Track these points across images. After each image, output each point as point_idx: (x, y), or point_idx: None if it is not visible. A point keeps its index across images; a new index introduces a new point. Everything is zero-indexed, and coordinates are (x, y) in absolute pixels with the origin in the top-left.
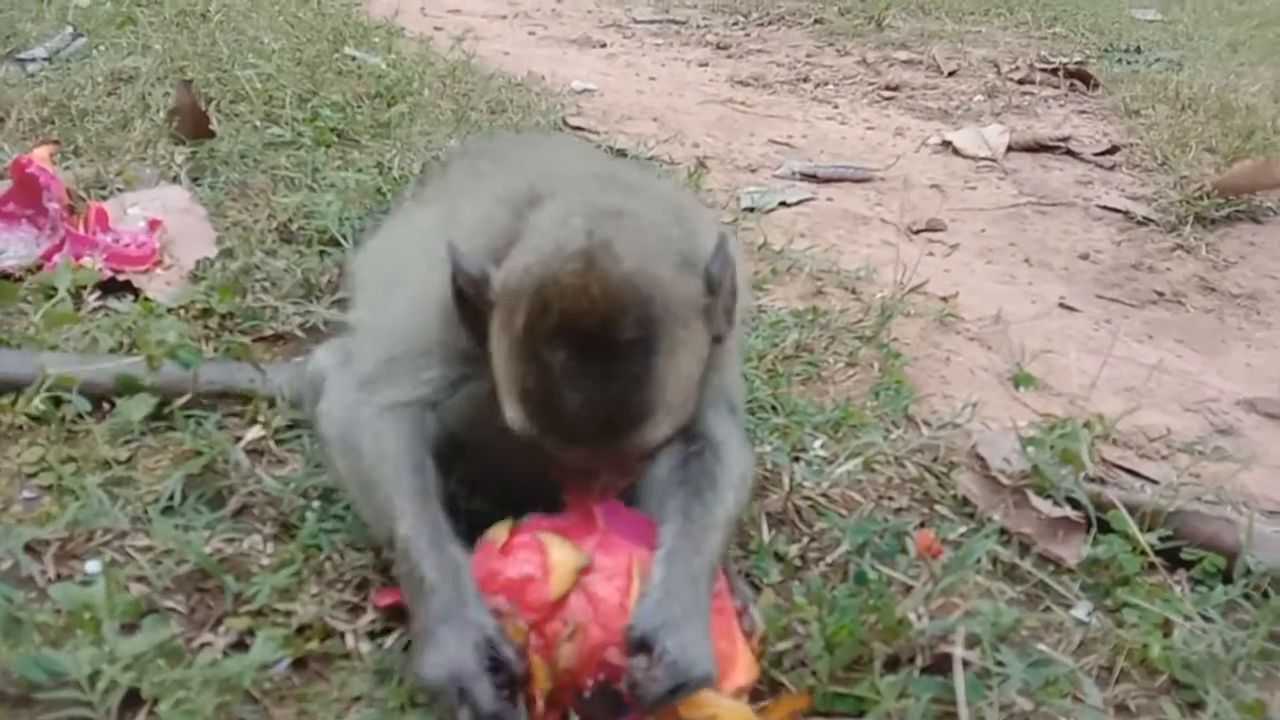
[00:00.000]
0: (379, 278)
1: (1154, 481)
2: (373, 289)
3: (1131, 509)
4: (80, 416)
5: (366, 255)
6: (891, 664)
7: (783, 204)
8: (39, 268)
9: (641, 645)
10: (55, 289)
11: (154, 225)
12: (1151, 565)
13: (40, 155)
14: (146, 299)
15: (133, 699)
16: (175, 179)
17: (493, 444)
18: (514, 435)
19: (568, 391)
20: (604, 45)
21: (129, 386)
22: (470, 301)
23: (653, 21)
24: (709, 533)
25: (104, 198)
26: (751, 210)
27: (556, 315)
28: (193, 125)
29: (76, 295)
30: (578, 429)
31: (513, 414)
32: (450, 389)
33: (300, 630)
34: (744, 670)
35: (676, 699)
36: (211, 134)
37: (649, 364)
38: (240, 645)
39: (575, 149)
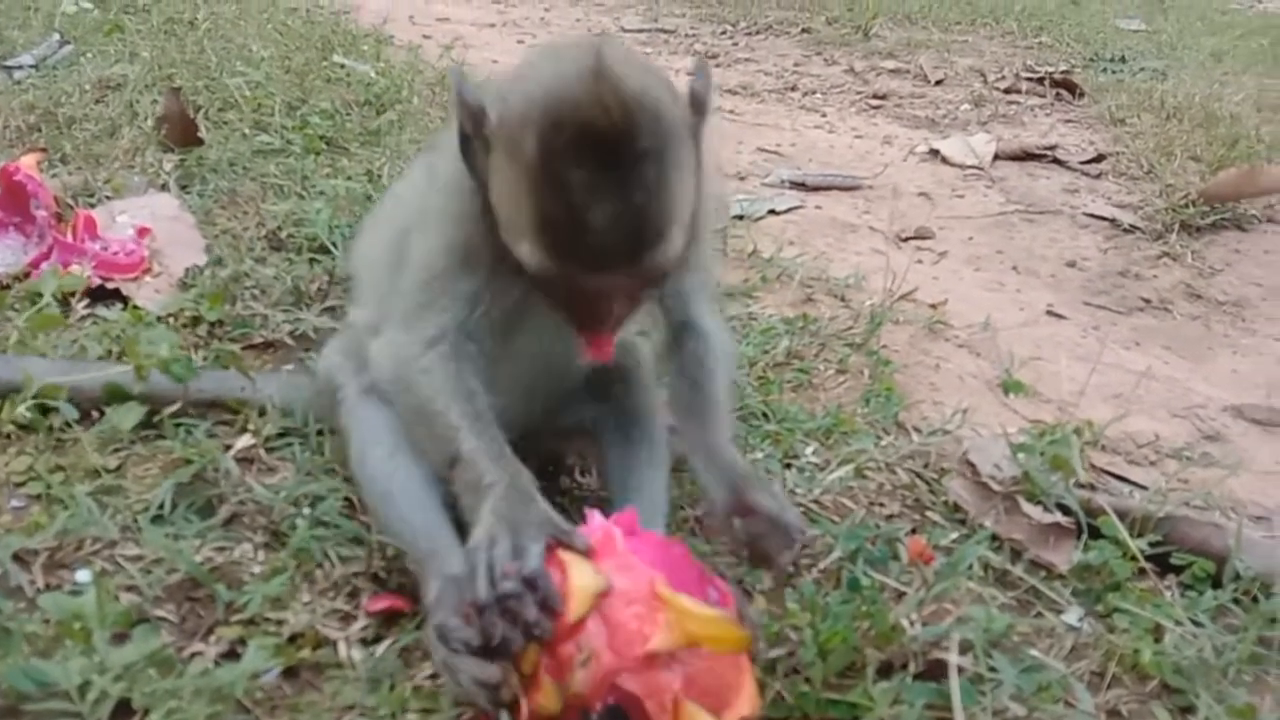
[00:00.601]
0: (383, 243)
1: (1143, 487)
2: (377, 267)
3: (1121, 515)
4: (68, 425)
5: (365, 239)
6: (885, 670)
7: (772, 212)
8: (26, 275)
9: (739, 509)
10: (41, 294)
11: (143, 233)
12: (1142, 571)
13: (27, 163)
14: (135, 307)
15: (123, 709)
16: (164, 187)
17: (519, 354)
18: (531, 293)
19: (591, 208)
20: None
21: (117, 395)
22: (470, 142)
23: (641, 30)
24: (721, 415)
25: (92, 205)
26: (740, 218)
27: (573, 130)
28: (181, 133)
29: (64, 302)
30: (603, 249)
31: (530, 251)
32: (484, 298)
33: (292, 639)
34: (748, 700)
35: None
36: (200, 142)
37: (664, 174)
38: (232, 654)
39: None
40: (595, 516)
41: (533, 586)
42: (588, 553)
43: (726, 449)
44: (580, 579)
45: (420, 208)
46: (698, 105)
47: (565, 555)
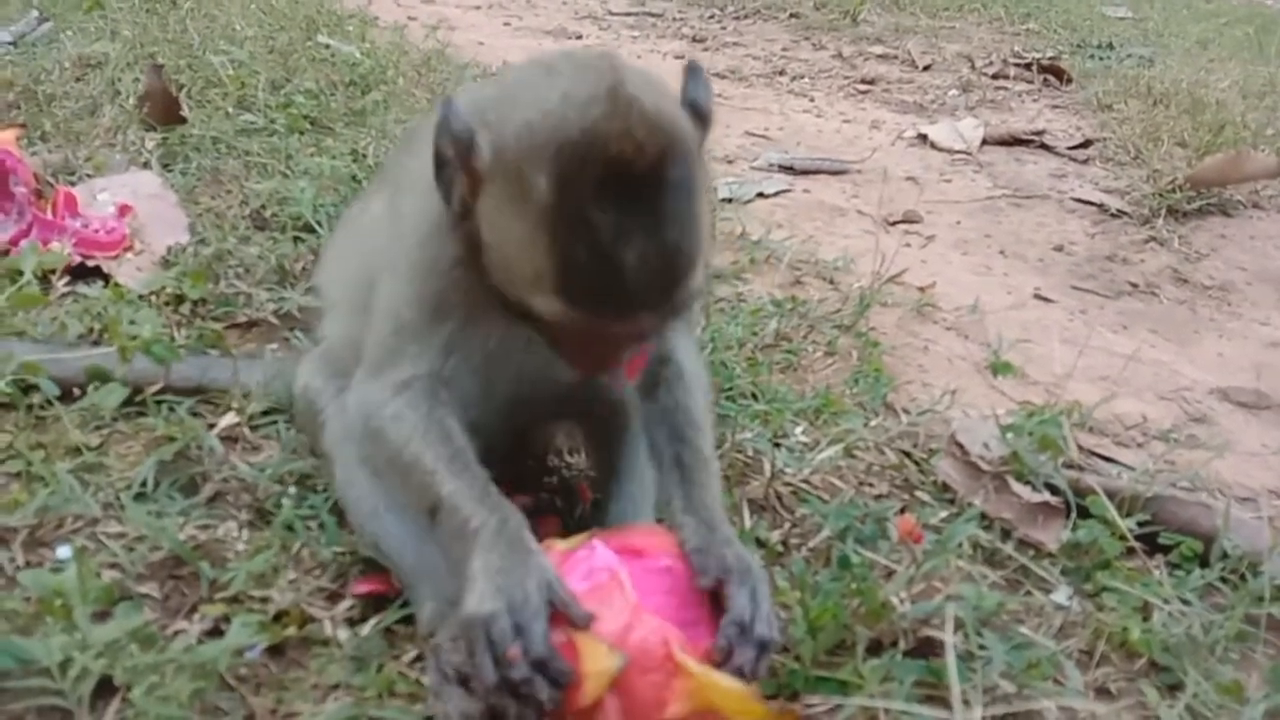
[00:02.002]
0: (350, 275)
1: (1130, 468)
2: (348, 289)
3: (1110, 494)
4: (49, 402)
5: (331, 267)
6: (874, 648)
7: (760, 195)
8: (5, 253)
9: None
10: (21, 271)
11: (124, 211)
12: (1130, 550)
13: (6, 139)
14: (117, 285)
15: (105, 687)
16: (146, 165)
17: (499, 394)
18: (511, 332)
19: (623, 251)
20: (580, 37)
21: (100, 376)
22: (450, 171)
23: (629, 14)
24: (708, 472)
25: (73, 183)
26: (729, 201)
27: (598, 167)
28: (164, 111)
29: (45, 280)
30: (634, 292)
31: (547, 300)
32: (458, 345)
33: (277, 617)
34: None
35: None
36: (183, 120)
37: (692, 202)
38: (216, 632)
39: None
40: (598, 549)
41: (542, 669)
42: (590, 621)
43: (718, 525)
44: (595, 663)
45: (387, 252)
46: (701, 118)
47: (577, 637)
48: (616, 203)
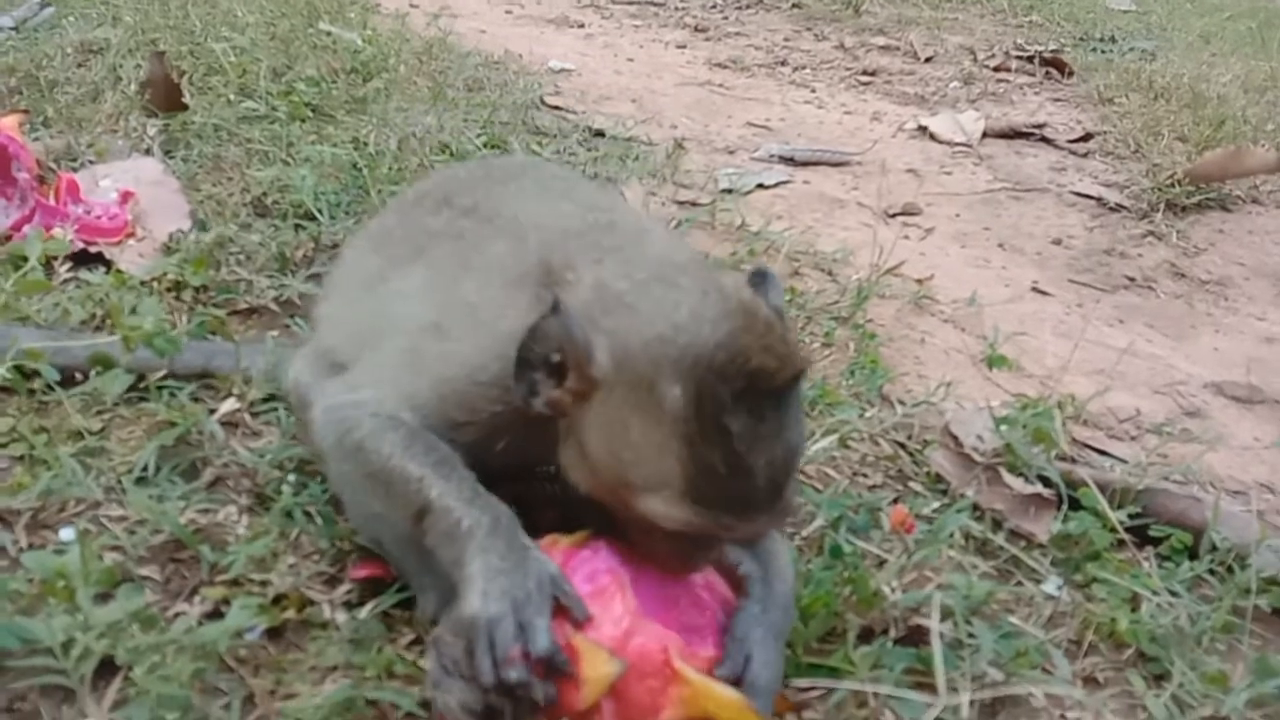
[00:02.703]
0: (362, 336)
1: (1123, 461)
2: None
3: (1102, 487)
4: (50, 387)
5: (338, 305)
6: (865, 635)
7: (760, 186)
8: (8, 238)
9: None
10: (25, 258)
11: (126, 197)
12: (1120, 542)
13: (9, 124)
14: (119, 271)
15: (107, 667)
16: (148, 151)
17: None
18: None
19: (757, 457)
20: (582, 25)
21: (103, 362)
22: (534, 368)
23: (631, 3)
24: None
25: (75, 169)
26: (729, 192)
27: (744, 379)
28: (165, 98)
29: (47, 265)
30: (761, 495)
31: (671, 505)
32: (458, 440)
33: (276, 600)
34: (714, 649)
35: None
36: (184, 107)
37: (802, 416)
38: (216, 614)
39: (538, 179)
40: (602, 551)
41: (545, 665)
42: (588, 622)
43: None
44: (594, 669)
45: (428, 326)
46: (783, 318)
47: (577, 640)
48: (750, 413)
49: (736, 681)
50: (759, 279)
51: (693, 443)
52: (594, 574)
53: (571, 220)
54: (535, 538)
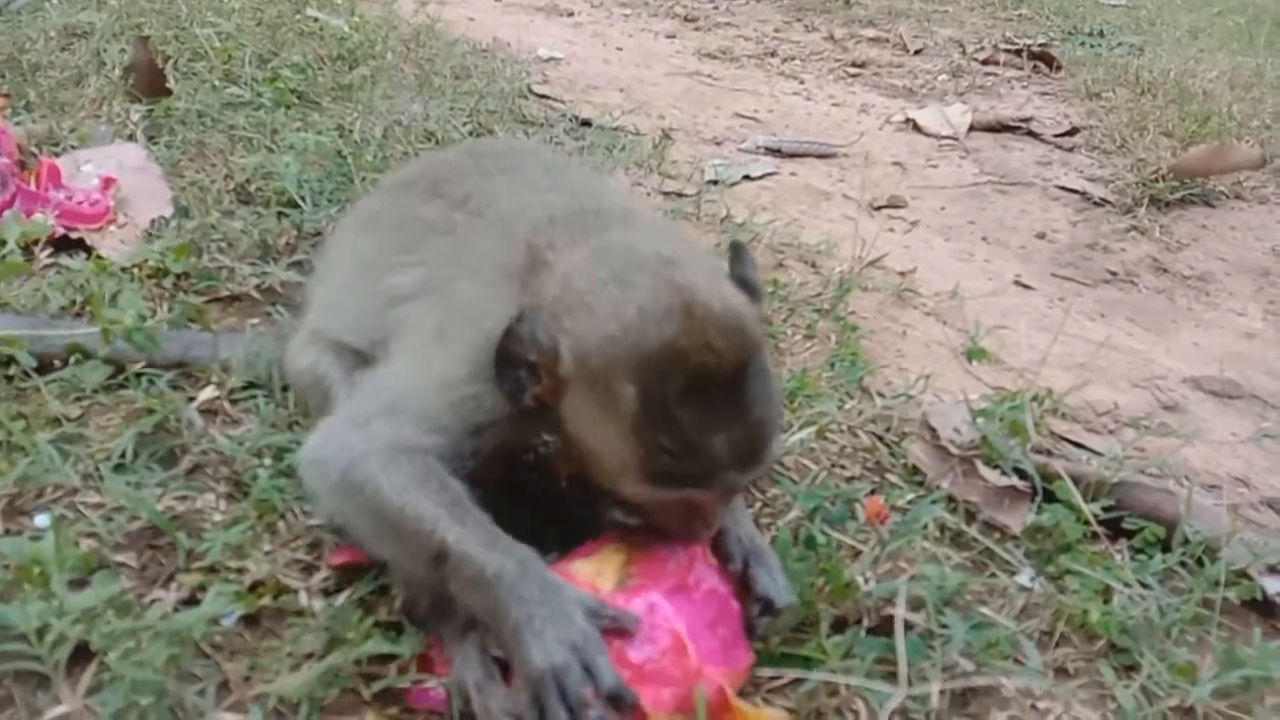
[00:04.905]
0: (369, 333)
1: (1099, 454)
2: (366, 341)
3: (1076, 480)
4: (27, 374)
5: (336, 289)
6: (839, 625)
7: (746, 177)
8: None
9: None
10: (4, 241)
11: (108, 183)
12: (1094, 534)
13: None
14: (99, 257)
15: (82, 653)
16: (131, 137)
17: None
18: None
19: (710, 439)
20: (571, 14)
21: (81, 352)
22: (515, 367)
23: None
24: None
25: (57, 154)
26: (715, 183)
27: (682, 378)
28: (149, 83)
29: (27, 251)
30: (720, 467)
31: (640, 489)
32: (463, 447)
33: (253, 587)
34: (747, 651)
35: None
36: (168, 92)
37: (766, 382)
38: (192, 601)
39: (530, 166)
40: (658, 604)
41: (617, 704)
42: (637, 624)
43: (745, 520)
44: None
45: (419, 324)
46: (752, 292)
47: (737, 703)
48: (699, 404)
49: (769, 604)
50: (734, 254)
51: (647, 433)
52: (654, 634)
53: (558, 208)
54: (548, 551)
